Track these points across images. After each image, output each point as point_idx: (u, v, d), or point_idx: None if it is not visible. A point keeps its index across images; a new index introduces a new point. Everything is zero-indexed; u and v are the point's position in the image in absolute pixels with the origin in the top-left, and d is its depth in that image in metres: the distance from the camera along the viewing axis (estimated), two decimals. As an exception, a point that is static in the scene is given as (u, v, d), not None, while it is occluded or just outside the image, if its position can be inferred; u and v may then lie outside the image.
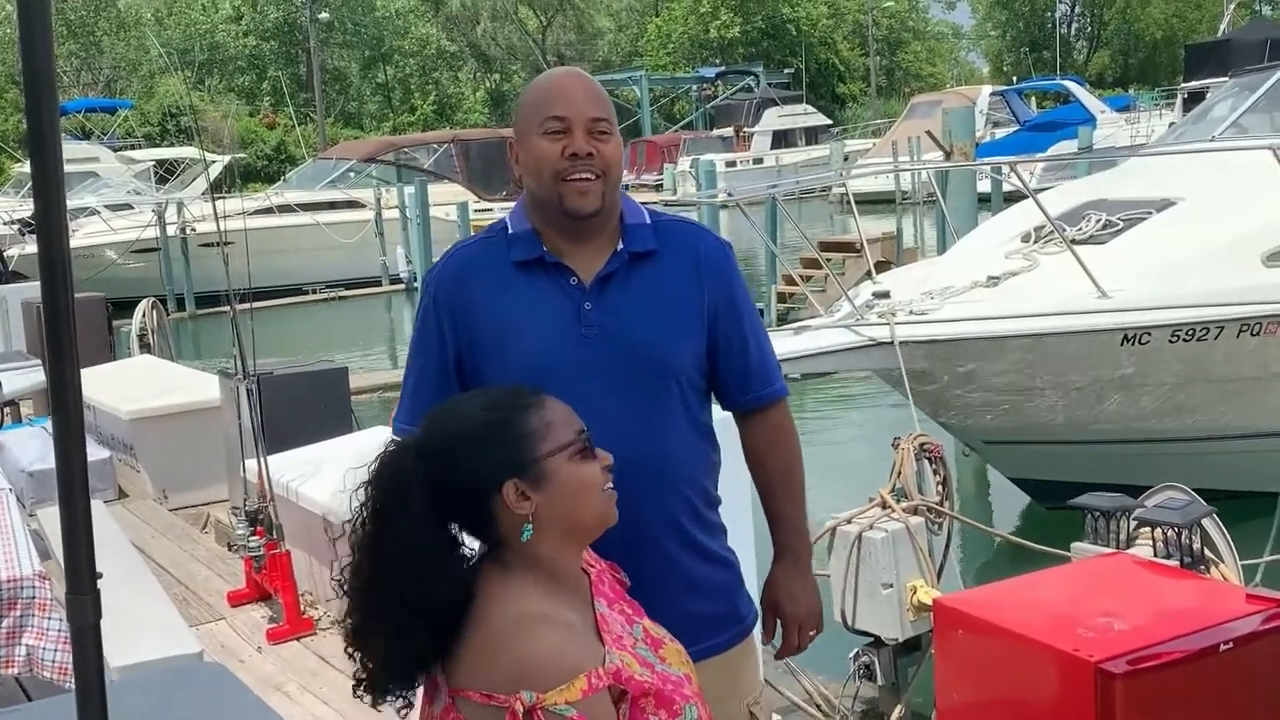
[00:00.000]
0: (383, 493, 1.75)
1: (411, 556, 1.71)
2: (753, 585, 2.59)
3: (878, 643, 4.88)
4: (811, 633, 2.52)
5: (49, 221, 1.52)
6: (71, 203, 22.82)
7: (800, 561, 2.51)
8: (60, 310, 1.53)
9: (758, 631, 2.50)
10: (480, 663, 1.67)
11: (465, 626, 1.71)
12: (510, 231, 2.37)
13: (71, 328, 1.55)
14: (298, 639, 5.36)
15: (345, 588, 1.76)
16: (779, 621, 2.51)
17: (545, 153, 2.25)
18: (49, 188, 1.50)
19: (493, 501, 1.75)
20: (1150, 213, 7.61)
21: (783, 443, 2.49)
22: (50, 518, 5.66)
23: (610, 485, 1.83)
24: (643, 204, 2.46)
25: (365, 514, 1.76)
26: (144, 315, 11.94)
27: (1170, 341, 6.82)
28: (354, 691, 1.78)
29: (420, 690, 1.78)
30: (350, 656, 1.77)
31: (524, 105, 2.34)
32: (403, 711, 1.81)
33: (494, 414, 1.78)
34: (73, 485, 1.60)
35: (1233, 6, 37.27)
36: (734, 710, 2.34)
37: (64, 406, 1.56)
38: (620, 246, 2.32)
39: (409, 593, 1.69)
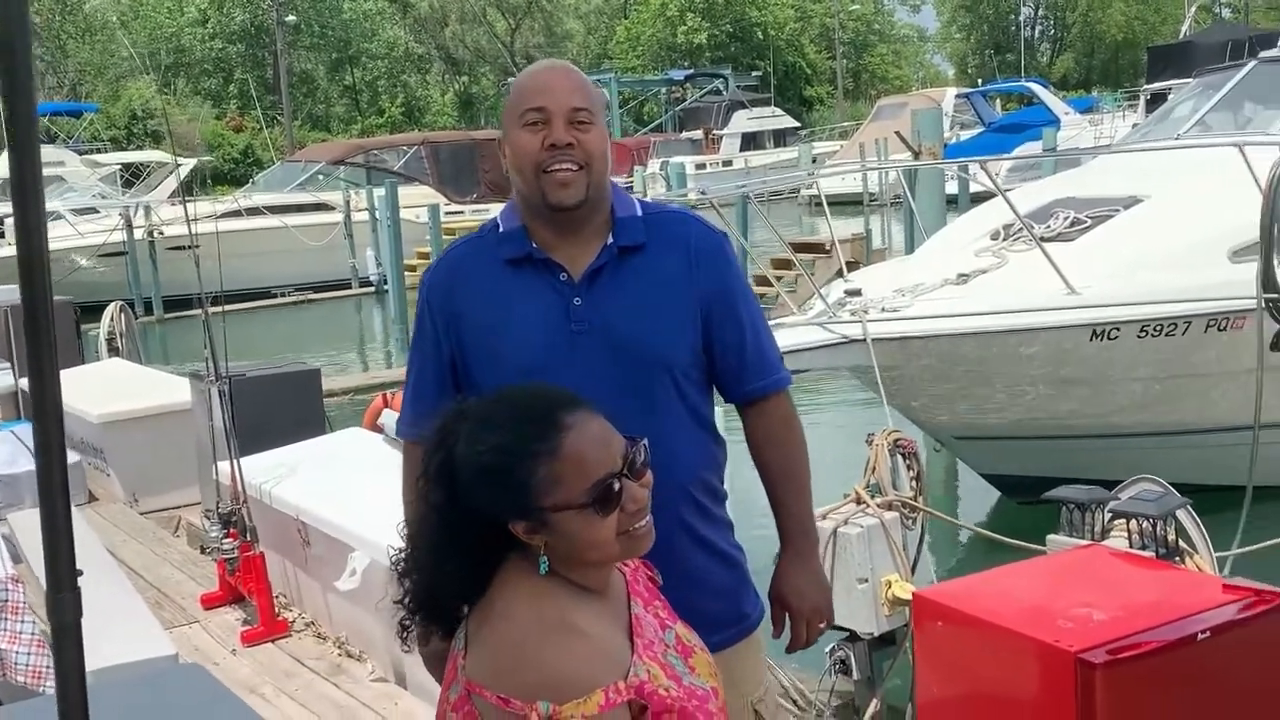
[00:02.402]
0: (421, 478, 1.79)
1: (423, 539, 1.75)
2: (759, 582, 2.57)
3: (853, 637, 4.89)
4: (821, 625, 2.50)
5: (28, 224, 1.50)
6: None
7: (806, 554, 2.48)
8: (39, 312, 1.51)
9: (763, 628, 2.48)
10: (500, 664, 1.65)
11: (487, 615, 1.71)
12: (501, 229, 2.35)
13: (51, 329, 1.54)
14: (273, 641, 5.33)
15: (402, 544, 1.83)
16: (787, 616, 2.48)
17: (526, 145, 2.23)
18: (27, 192, 1.49)
19: (505, 527, 1.73)
20: (1118, 210, 7.67)
21: (785, 434, 2.45)
22: (20, 522, 5.60)
23: (641, 524, 1.74)
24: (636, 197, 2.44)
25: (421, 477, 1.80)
26: (112, 319, 11.84)
27: (1139, 337, 6.88)
28: (399, 630, 1.86)
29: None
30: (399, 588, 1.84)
31: (509, 102, 2.32)
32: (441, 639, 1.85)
33: (505, 457, 1.69)
34: (52, 481, 1.59)
35: (1194, 9, 37.59)
36: (736, 708, 2.33)
37: (43, 403, 1.55)
38: (610, 240, 2.30)
39: (422, 567, 1.76)
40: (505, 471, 1.68)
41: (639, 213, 2.35)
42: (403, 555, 1.80)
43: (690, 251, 2.33)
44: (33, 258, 1.51)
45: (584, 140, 2.22)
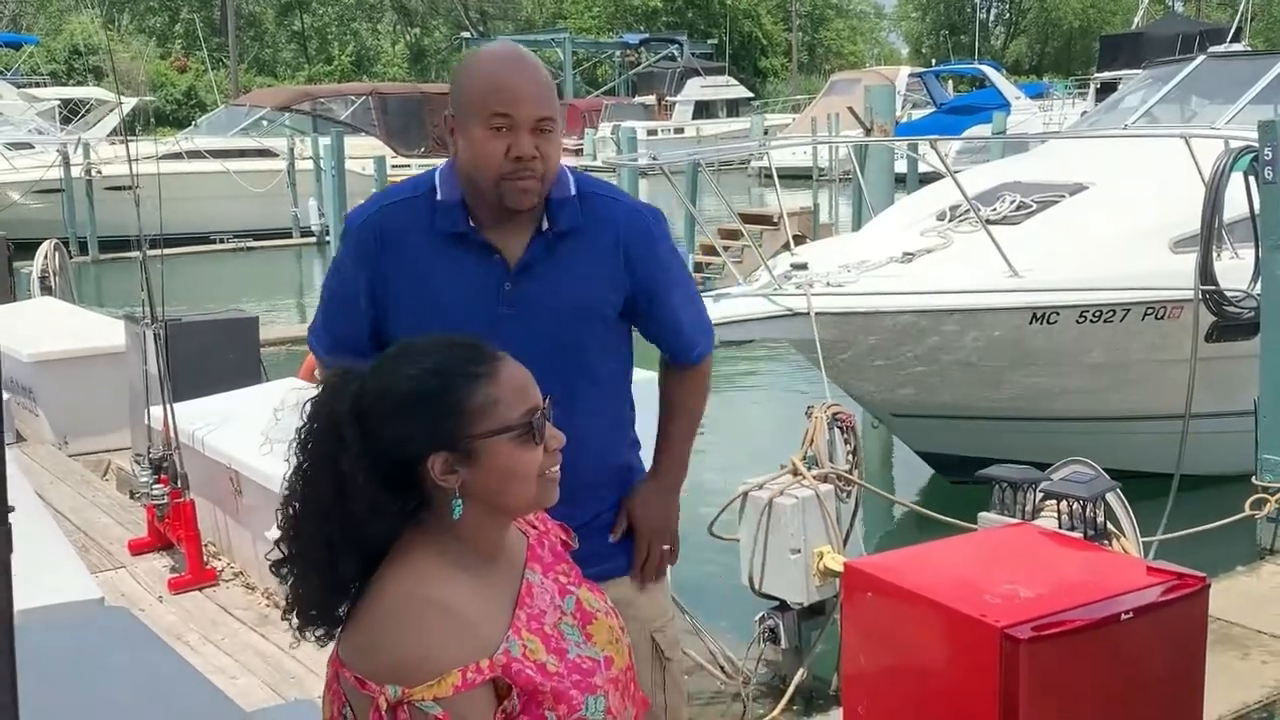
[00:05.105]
0: (320, 426, 1.68)
1: (340, 491, 1.64)
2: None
3: (783, 607, 4.94)
4: (665, 547, 2.57)
5: None
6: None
7: (668, 483, 2.61)
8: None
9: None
10: (361, 642, 1.61)
11: (366, 593, 1.65)
12: (439, 197, 2.36)
13: None
14: (200, 589, 5.29)
15: (279, 514, 1.71)
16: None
17: (490, 150, 2.24)
18: None
19: (420, 468, 1.66)
20: (1063, 196, 7.75)
21: (698, 391, 2.63)
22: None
23: (555, 469, 1.73)
24: (570, 169, 2.45)
25: (302, 443, 1.69)
26: (46, 257, 11.63)
27: (1078, 322, 6.96)
28: (282, 616, 1.74)
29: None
30: (280, 581, 1.72)
31: (468, 89, 2.29)
32: (321, 642, 1.73)
33: (438, 380, 1.66)
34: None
35: (1146, 1, 37.99)
36: (637, 636, 2.34)
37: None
38: (545, 226, 2.34)
39: (332, 525, 1.64)
40: (438, 395, 1.64)
41: (572, 191, 2.38)
42: (288, 526, 1.69)
43: (620, 239, 2.39)
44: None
45: (545, 150, 2.27)
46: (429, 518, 1.68)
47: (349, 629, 1.64)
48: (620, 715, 1.72)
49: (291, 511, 1.69)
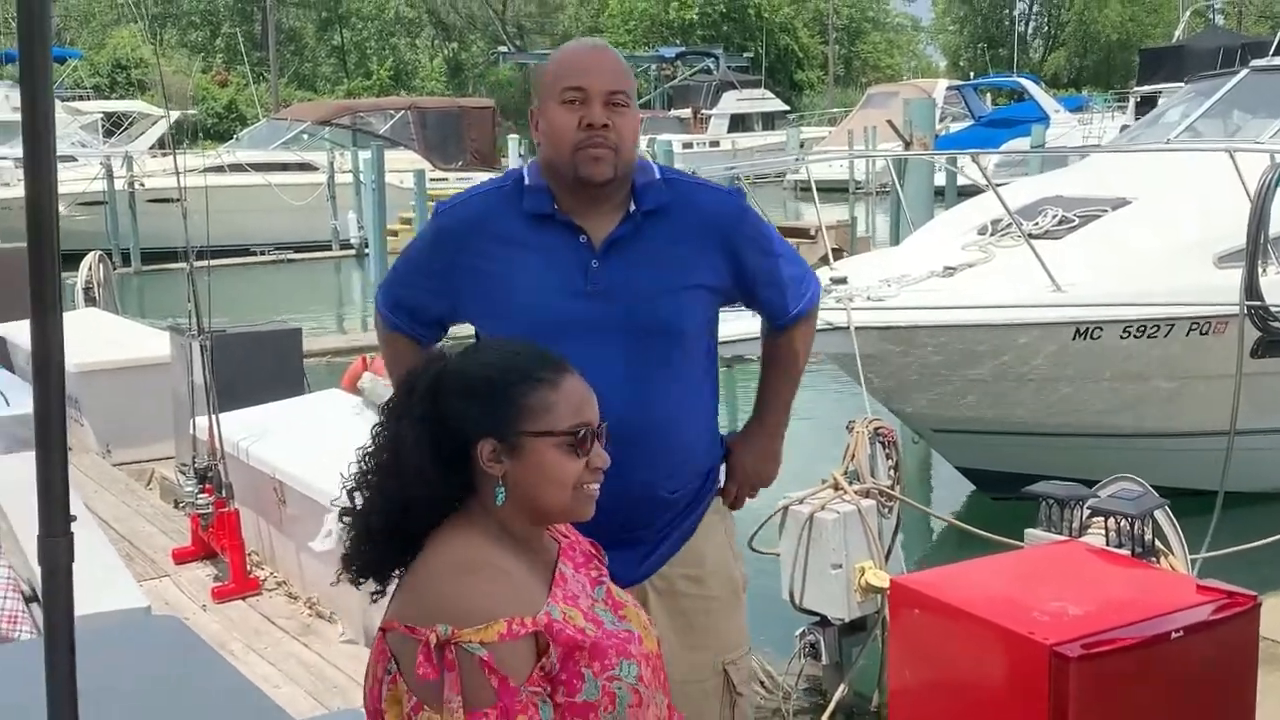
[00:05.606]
0: (401, 396, 1.84)
1: (394, 449, 1.79)
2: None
3: (824, 622, 4.92)
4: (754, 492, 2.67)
5: (37, 177, 1.51)
6: (11, 151, 22.30)
7: (773, 429, 2.67)
8: (45, 261, 1.53)
9: (738, 592, 2.58)
10: (410, 598, 1.73)
11: (412, 567, 1.78)
12: (527, 183, 2.41)
13: (57, 277, 1.56)
14: (243, 598, 5.33)
15: (351, 466, 1.85)
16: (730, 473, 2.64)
17: (563, 123, 2.30)
18: (39, 147, 1.50)
19: (471, 450, 1.79)
20: (1105, 210, 7.70)
21: (808, 340, 2.66)
22: (-7, 468, 5.55)
23: (594, 486, 1.83)
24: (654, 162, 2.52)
25: (383, 408, 1.87)
26: (90, 269, 11.77)
27: (1121, 337, 6.91)
28: (339, 563, 1.87)
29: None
30: (343, 531, 1.86)
31: (546, 74, 2.39)
32: (375, 597, 1.87)
33: (504, 375, 1.80)
34: (50, 426, 1.60)
35: (1188, 14, 37.70)
36: (704, 662, 2.40)
37: (46, 347, 1.57)
38: (633, 208, 2.38)
39: (376, 479, 1.80)
40: (501, 387, 1.78)
41: (658, 175, 2.44)
42: (359, 479, 1.83)
43: (711, 224, 2.43)
44: (40, 210, 1.53)
45: (619, 123, 2.31)
46: (474, 504, 1.80)
47: (399, 592, 1.76)
48: (650, 688, 1.80)
49: (357, 467, 1.83)
